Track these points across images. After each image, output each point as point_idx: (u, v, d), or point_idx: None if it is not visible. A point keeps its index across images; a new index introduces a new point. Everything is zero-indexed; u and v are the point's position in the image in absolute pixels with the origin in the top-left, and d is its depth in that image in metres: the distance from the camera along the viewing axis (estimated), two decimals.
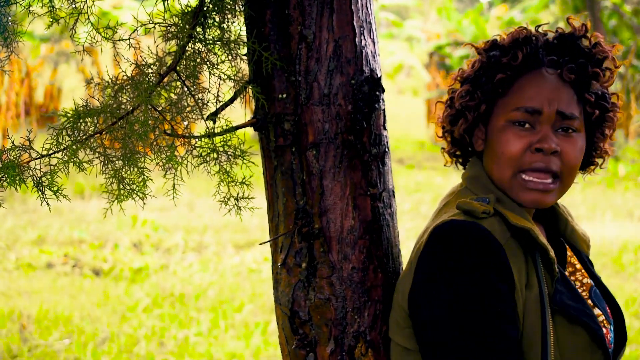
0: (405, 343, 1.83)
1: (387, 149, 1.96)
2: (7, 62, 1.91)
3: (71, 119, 1.86)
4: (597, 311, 1.86)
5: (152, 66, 1.88)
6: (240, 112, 1.94)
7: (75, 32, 1.88)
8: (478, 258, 1.71)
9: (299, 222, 1.89)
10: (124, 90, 1.88)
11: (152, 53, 1.89)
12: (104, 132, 1.87)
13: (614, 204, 9.95)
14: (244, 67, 1.92)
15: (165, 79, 1.88)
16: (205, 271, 7.00)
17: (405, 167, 12.79)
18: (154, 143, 1.90)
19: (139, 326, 5.55)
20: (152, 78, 1.87)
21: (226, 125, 1.91)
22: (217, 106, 1.91)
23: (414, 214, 9.23)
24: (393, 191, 1.98)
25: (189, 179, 1.95)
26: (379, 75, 1.93)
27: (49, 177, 1.88)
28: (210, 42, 1.88)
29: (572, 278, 1.90)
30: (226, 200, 1.95)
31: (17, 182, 1.84)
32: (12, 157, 1.87)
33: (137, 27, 1.86)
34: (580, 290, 1.87)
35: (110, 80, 1.88)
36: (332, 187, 1.89)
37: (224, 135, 1.92)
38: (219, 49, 1.89)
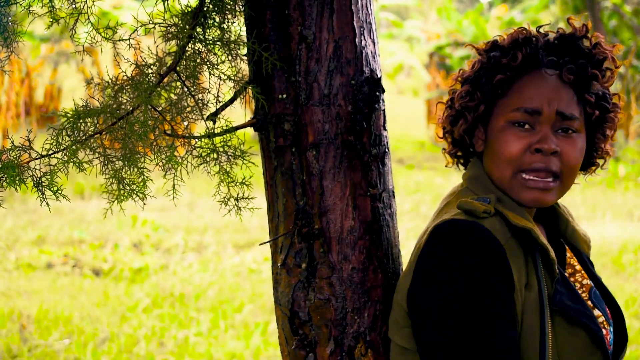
0: (403, 343, 1.83)
1: (387, 150, 1.96)
2: (7, 62, 1.91)
3: (71, 119, 1.86)
4: (596, 312, 1.86)
5: (152, 66, 1.88)
6: (240, 113, 1.94)
7: (75, 32, 1.88)
8: (478, 258, 1.71)
9: (299, 223, 1.89)
10: (124, 91, 1.88)
11: (152, 53, 1.89)
12: (103, 132, 1.87)
13: (614, 204, 9.95)
14: (244, 67, 1.92)
15: (165, 79, 1.88)
16: (205, 271, 7.00)
17: (405, 167, 12.79)
18: (154, 143, 1.90)
19: (139, 326, 5.55)
20: (152, 78, 1.87)
21: (226, 126, 1.91)
22: (217, 106, 1.90)
23: (414, 214, 9.23)
24: (393, 191, 1.98)
25: (189, 179, 1.95)
26: (379, 76, 1.93)
27: (48, 177, 1.88)
28: (210, 42, 1.88)
29: (572, 279, 1.90)
30: (226, 200, 1.95)
31: (16, 182, 1.84)
32: (12, 157, 1.87)
33: (137, 27, 1.86)
34: (580, 292, 1.87)
35: (110, 81, 1.88)
36: (332, 187, 1.89)
37: (224, 136, 1.92)
38: (219, 50, 1.89)
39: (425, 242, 1.78)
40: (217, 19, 1.87)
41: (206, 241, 7.90)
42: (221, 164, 1.92)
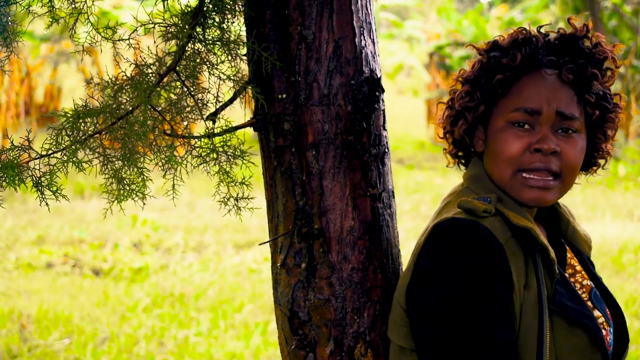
0: (400, 342, 1.83)
1: (386, 150, 1.96)
2: (7, 62, 1.91)
3: (71, 119, 1.86)
4: (596, 313, 1.85)
5: (151, 66, 1.88)
6: (240, 113, 1.94)
7: (75, 32, 1.88)
8: (478, 257, 1.71)
9: (299, 223, 1.89)
10: (124, 91, 1.88)
11: (152, 53, 1.89)
12: (103, 132, 1.87)
13: (614, 204, 9.95)
14: (244, 67, 1.92)
15: (165, 79, 1.88)
16: (205, 271, 7.00)
17: (405, 167, 12.79)
18: (154, 143, 1.90)
19: (139, 326, 5.55)
20: (152, 78, 1.87)
21: (226, 126, 1.91)
22: (217, 106, 1.90)
23: (414, 214, 9.22)
24: (393, 191, 1.98)
25: (189, 179, 1.95)
26: (378, 76, 1.92)
27: (48, 177, 1.88)
28: (210, 42, 1.88)
29: (572, 280, 1.90)
30: (226, 200, 1.95)
31: (16, 182, 1.84)
32: (11, 157, 1.87)
33: (137, 27, 1.86)
34: (580, 292, 1.87)
35: (110, 81, 1.88)
36: (331, 187, 1.88)
37: (224, 136, 1.92)
38: (218, 49, 1.89)
39: (425, 240, 1.78)
40: (217, 19, 1.87)
41: (206, 241, 7.90)
42: (221, 164, 1.92)
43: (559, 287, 1.78)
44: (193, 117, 1.90)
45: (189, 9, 1.86)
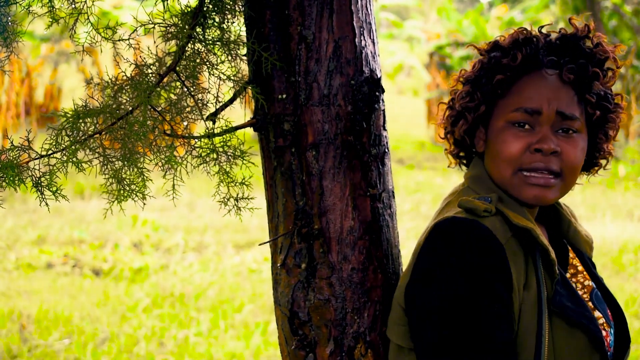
0: (399, 341, 1.83)
1: (387, 150, 1.96)
2: (7, 62, 1.91)
3: (71, 119, 1.86)
4: (597, 314, 1.85)
5: (151, 66, 1.88)
6: (240, 113, 1.94)
7: (75, 32, 1.88)
8: (478, 257, 1.71)
9: (299, 223, 1.89)
10: (124, 91, 1.88)
11: (152, 53, 1.89)
12: (103, 132, 1.87)
13: (614, 204, 9.95)
14: (244, 67, 1.92)
15: (165, 80, 1.88)
16: (205, 271, 7.00)
17: (405, 167, 12.79)
18: (154, 143, 1.90)
19: (139, 326, 5.55)
20: (152, 78, 1.87)
21: (226, 126, 1.91)
22: (217, 106, 1.90)
23: (414, 214, 9.22)
24: (393, 192, 1.98)
25: (189, 179, 1.95)
26: (378, 76, 1.92)
27: (47, 177, 1.88)
28: (210, 42, 1.87)
29: (574, 280, 1.90)
30: (226, 200, 1.95)
31: (16, 182, 1.84)
32: (11, 157, 1.87)
33: (137, 27, 1.86)
34: (581, 293, 1.87)
35: (110, 81, 1.88)
36: (331, 187, 1.88)
37: (224, 136, 1.91)
38: (218, 50, 1.89)
39: (425, 240, 1.78)
40: (217, 19, 1.87)
41: (206, 241, 7.90)
42: (221, 164, 1.92)
43: (559, 287, 1.77)
44: (193, 117, 1.90)
45: (189, 9, 1.86)
